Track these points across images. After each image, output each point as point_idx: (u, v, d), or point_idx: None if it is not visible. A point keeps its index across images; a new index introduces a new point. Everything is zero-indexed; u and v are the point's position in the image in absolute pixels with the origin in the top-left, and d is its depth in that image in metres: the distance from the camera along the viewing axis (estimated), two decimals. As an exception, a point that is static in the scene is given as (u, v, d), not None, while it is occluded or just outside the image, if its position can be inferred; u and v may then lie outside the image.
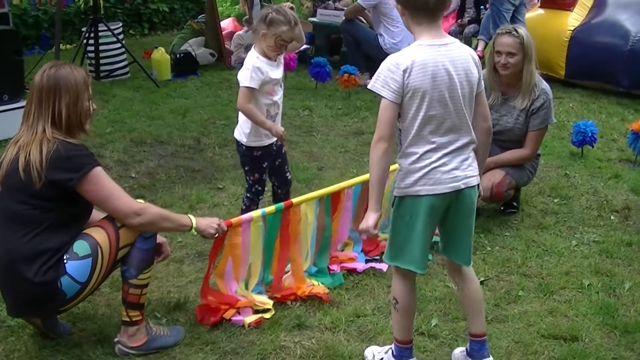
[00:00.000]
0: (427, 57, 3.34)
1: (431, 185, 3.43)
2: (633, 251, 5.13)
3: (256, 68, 4.72)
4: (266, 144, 4.94)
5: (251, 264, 4.39)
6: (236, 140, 5.00)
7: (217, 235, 4.07)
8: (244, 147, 4.94)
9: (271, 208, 4.44)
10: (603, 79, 9.57)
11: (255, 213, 4.34)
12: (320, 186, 6.07)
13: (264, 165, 5.03)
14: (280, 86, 4.94)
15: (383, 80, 3.36)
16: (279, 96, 4.93)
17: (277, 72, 4.86)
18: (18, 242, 3.52)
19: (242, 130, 4.91)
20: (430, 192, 3.43)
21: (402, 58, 3.35)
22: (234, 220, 4.24)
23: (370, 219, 3.46)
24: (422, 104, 3.34)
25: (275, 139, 4.94)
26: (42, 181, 3.50)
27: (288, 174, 5.25)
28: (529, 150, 5.54)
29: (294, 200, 4.55)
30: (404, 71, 3.31)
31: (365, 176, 4.96)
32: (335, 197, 4.77)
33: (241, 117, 4.89)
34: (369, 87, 3.42)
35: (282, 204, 4.48)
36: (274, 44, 4.77)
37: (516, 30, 5.38)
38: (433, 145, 3.42)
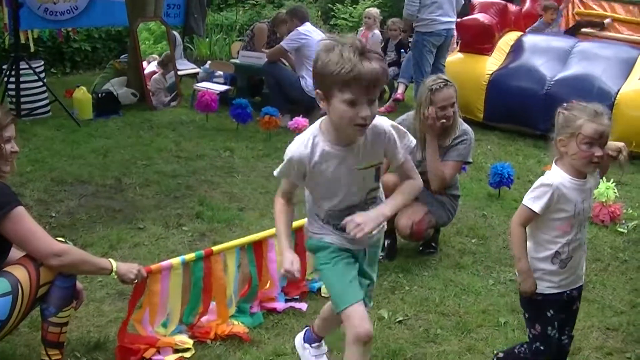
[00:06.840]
0: None
1: None
2: (547, 290, 5.24)
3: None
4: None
5: (170, 311, 4.37)
6: None
7: (136, 280, 4.04)
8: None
9: (191, 255, 4.41)
10: (520, 122, 9.85)
11: (175, 260, 4.32)
12: (240, 227, 6.10)
13: (549, 315, 3.69)
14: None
15: None
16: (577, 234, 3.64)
17: None
18: None
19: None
20: None
21: None
22: (153, 266, 4.23)
23: None
24: None
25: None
26: None
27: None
28: (446, 173, 5.48)
29: (214, 248, 4.54)
30: None
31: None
32: (258, 246, 4.73)
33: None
34: None
35: (202, 252, 4.46)
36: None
37: (446, 80, 5.41)
38: None
